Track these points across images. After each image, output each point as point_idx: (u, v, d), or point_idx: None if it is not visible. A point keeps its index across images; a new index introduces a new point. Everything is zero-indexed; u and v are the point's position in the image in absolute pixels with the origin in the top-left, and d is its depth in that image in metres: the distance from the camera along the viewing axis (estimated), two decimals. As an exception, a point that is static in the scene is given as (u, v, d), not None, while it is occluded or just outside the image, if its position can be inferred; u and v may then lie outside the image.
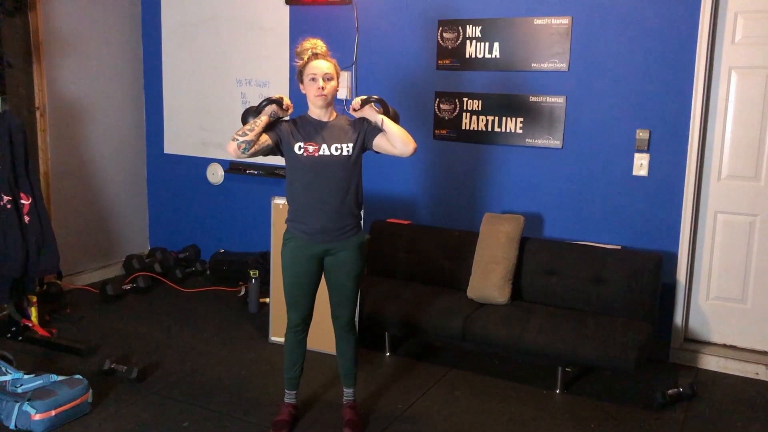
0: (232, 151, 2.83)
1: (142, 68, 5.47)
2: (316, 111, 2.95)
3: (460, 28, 4.26)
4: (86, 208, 5.15)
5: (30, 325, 4.07)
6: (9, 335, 4.02)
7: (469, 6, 4.24)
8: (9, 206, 3.87)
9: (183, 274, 5.19)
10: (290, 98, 3.08)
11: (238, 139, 2.81)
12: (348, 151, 2.91)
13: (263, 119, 2.88)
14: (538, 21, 4.04)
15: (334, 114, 2.99)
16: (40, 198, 4.03)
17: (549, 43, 4.02)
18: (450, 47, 4.31)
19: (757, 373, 3.75)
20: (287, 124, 2.96)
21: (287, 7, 4.76)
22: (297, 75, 2.97)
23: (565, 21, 3.97)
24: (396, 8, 4.43)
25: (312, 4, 4.65)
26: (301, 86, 2.97)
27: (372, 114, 2.95)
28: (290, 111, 3.00)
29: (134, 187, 5.55)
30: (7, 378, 3.22)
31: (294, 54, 2.96)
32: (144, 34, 5.43)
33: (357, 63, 4.58)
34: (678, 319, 3.92)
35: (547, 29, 4.02)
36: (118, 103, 5.34)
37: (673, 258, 3.87)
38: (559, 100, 4.04)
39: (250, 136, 2.82)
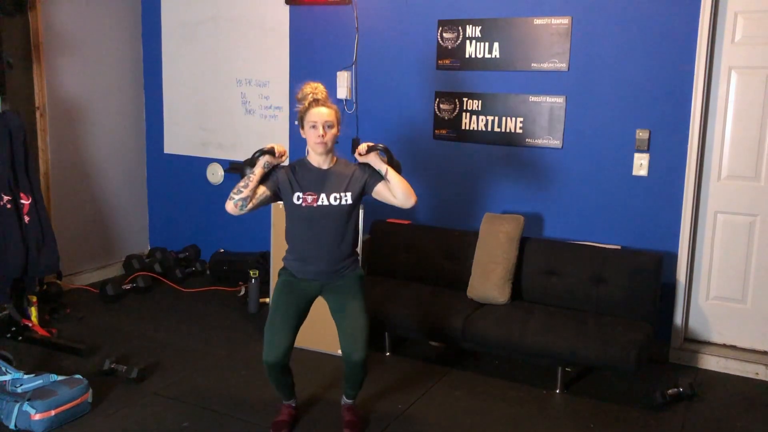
0: (230, 210, 2.84)
1: (142, 68, 5.48)
2: (316, 157, 2.93)
3: (459, 28, 4.26)
4: (86, 208, 5.16)
5: (30, 324, 4.07)
6: (9, 335, 4.02)
7: (468, 6, 4.24)
8: (9, 206, 3.87)
9: (183, 274, 5.19)
10: (288, 146, 3.05)
11: (234, 198, 2.82)
12: (347, 200, 2.90)
13: (257, 172, 2.87)
14: (538, 21, 4.04)
15: (335, 159, 2.97)
16: (40, 198, 4.02)
17: (549, 43, 4.02)
18: (450, 47, 4.31)
19: (757, 373, 3.75)
20: (285, 171, 2.93)
21: (287, 7, 4.76)
22: (297, 120, 2.96)
23: (564, 21, 3.97)
24: (396, 8, 4.43)
25: (312, 4, 4.65)
26: (301, 131, 2.95)
27: (377, 162, 2.93)
28: (285, 157, 2.97)
29: (134, 187, 5.55)
30: (7, 378, 3.22)
31: (295, 95, 2.97)
32: (144, 34, 5.43)
33: (357, 63, 4.58)
34: (678, 319, 3.92)
35: (547, 29, 4.02)
36: (118, 103, 5.34)
37: (673, 258, 3.87)
38: (559, 100, 4.04)
39: (245, 192, 2.82)
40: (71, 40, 4.89)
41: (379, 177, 2.93)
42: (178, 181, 5.50)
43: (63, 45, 4.83)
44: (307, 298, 2.99)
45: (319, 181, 2.90)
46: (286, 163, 3.00)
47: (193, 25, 5.22)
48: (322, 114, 2.86)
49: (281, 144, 3.00)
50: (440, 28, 4.32)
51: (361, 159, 2.97)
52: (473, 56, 4.25)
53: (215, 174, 5.32)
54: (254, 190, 2.85)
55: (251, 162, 2.91)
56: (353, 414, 3.14)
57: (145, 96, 5.52)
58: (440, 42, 4.33)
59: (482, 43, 4.21)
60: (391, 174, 2.91)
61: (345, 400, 3.18)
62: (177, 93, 5.38)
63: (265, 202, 2.92)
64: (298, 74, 4.73)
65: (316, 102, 2.87)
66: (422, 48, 4.38)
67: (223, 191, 5.28)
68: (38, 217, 3.98)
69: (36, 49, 4.63)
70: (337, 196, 2.89)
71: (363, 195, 2.97)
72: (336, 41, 4.63)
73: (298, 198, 2.89)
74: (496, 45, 4.17)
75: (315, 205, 2.87)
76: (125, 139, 5.43)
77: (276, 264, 3.83)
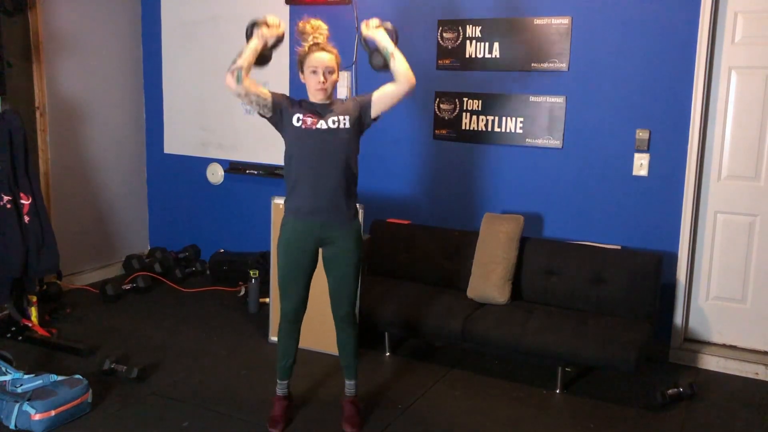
0: (228, 83, 2.81)
1: (142, 68, 5.48)
2: (317, 101, 2.96)
3: (459, 28, 4.26)
4: (86, 207, 5.16)
5: (30, 325, 4.07)
6: (9, 335, 4.02)
7: (468, 6, 4.24)
8: (9, 206, 3.87)
9: (183, 274, 5.19)
10: (290, 88, 3.05)
11: (230, 67, 2.79)
12: (345, 124, 2.90)
13: (254, 42, 2.86)
14: (538, 21, 4.04)
15: (333, 100, 3.00)
16: (40, 198, 4.02)
17: (549, 43, 4.02)
18: (450, 47, 4.31)
19: (757, 373, 3.75)
20: (288, 97, 2.97)
21: (287, 7, 4.76)
22: (297, 63, 2.96)
23: (565, 21, 3.97)
24: (396, 8, 4.43)
25: (312, 4, 4.65)
26: (300, 75, 2.96)
27: (384, 38, 2.93)
28: (281, 29, 2.95)
29: (134, 187, 5.55)
30: (7, 378, 3.22)
31: (294, 37, 2.98)
32: (144, 34, 5.43)
33: (357, 63, 4.57)
34: (678, 319, 3.92)
35: (547, 29, 4.02)
36: (118, 103, 5.34)
37: (673, 258, 3.87)
38: (559, 99, 4.04)
39: (239, 61, 2.80)
40: (71, 40, 4.89)
41: (371, 97, 2.95)
42: (178, 181, 5.50)
43: (63, 44, 4.83)
44: (311, 246, 2.99)
45: (319, 109, 2.92)
46: (285, 35, 3.00)
47: (193, 24, 5.22)
48: (322, 59, 2.86)
49: (275, 16, 2.96)
50: (440, 28, 4.32)
51: (368, 32, 2.97)
52: (473, 56, 4.25)
53: (215, 174, 5.32)
54: (250, 61, 2.82)
55: (247, 37, 2.91)
56: (353, 409, 3.15)
57: (145, 96, 5.52)
58: (440, 42, 4.33)
59: (482, 43, 4.21)
60: (398, 53, 2.90)
61: (347, 390, 3.19)
62: (177, 93, 5.38)
63: (260, 104, 2.89)
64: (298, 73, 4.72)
65: (316, 46, 2.88)
66: (422, 48, 4.38)
67: (223, 191, 5.31)
68: (38, 217, 3.98)
69: (36, 48, 4.63)
70: (336, 119, 2.89)
71: (362, 125, 2.97)
72: (336, 41, 4.57)
73: (298, 120, 2.88)
74: (496, 45, 4.17)
75: (314, 127, 2.87)
76: (125, 139, 5.43)
77: (276, 264, 3.83)
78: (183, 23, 5.26)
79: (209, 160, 5.33)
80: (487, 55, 4.21)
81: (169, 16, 5.31)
